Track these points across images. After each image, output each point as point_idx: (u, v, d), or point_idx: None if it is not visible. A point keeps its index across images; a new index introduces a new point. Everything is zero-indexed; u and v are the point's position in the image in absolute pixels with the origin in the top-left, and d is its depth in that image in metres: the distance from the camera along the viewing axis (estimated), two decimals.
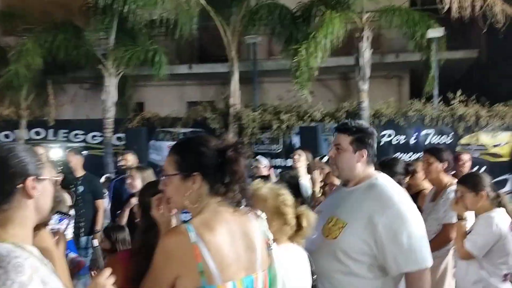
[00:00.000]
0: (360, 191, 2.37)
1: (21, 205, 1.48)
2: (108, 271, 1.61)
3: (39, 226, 1.83)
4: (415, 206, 2.35)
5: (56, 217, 2.39)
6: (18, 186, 1.47)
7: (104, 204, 6.35)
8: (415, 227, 2.24)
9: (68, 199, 4.19)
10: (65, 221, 2.87)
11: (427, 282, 2.25)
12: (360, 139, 2.40)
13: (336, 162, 2.44)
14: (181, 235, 1.58)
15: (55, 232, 2.21)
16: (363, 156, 2.39)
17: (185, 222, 1.68)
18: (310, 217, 2.22)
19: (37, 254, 1.47)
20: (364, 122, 2.57)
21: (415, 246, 2.20)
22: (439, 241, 3.93)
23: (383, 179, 2.41)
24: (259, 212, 1.84)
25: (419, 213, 2.34)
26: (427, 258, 2.24)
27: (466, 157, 5.74)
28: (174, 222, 1.86)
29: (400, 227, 2.19)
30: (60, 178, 5.32)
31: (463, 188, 3.44)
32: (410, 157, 9.01)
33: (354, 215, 2.28)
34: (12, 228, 1.46)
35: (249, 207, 1.80)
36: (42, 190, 1.53)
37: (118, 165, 6.12)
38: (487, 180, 3.45)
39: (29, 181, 1.48)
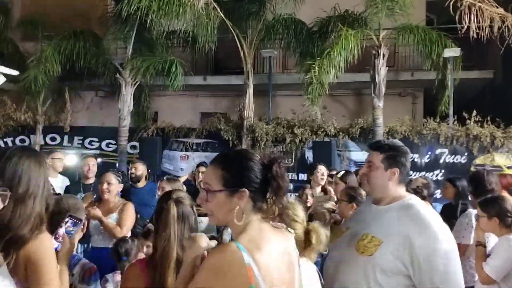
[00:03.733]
0: (394, 210, 2.36)
1: None
2: None
3: (41, 229, 1.85)
4: (448, 227, 2.36)
5: (70, 221, 2.41)
6: None
7: None
8: (451, 249, 2.24)
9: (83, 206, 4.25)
10: (80, 226, 2.91)
11: None
12: (392, 157, 2.40)
13: (368, 179, 2.44)
14: (235, 255, 1.51)
15: (62, 236, 2.23)
16: (394, 174, 2.39)
17: (232, 240, 1.64)
18: (320, 234, 2.22)
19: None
20: (398, 141, 2.54)
21: (451, 268, 2.20)
22: None
23: (417, 200, 2.41)
24: (290, 229, 1.81)
25: (452, 236, 2.34)
26: (461, 282, 2.24)
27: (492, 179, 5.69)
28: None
29: (436, 248, 2.19)
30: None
31: (480, 211, 3.47)
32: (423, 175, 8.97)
33: (390, 234, 2.26)
34: None
35: (284, 224, 1.76)
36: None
37: (129, 173, 6.09)
38: (507, 204, 3.43)
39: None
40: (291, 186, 6.25)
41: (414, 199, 2.40)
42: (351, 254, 2.27)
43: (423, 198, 4.76)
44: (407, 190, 4.15)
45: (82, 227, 2.92)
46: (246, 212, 1.64)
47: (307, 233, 2.22)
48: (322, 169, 5.86)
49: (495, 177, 4.28)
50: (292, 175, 10.12)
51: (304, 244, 2.23)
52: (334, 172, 5.68)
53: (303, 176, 9.76)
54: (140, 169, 5.99)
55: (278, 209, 1.70)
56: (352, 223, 2.58)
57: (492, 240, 3.51)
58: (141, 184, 5.92)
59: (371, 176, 2.42)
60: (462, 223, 4.19)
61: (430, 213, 2.34)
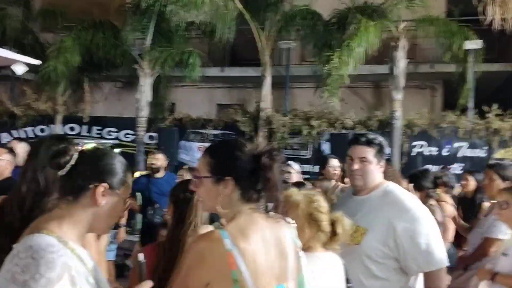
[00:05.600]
0: (375, 198, 2.49)
1: (84, 207, 1.48)
2: (149, 284, 1.61)
3: None
4: (427, 209, 2.50)
5: None
6: (90, 186, 1.48)
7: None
8: (431, 229, 2.38)
9: None
10: None
11: (444, 281, 2.44)
12: (380, 151, 2.55)
13: (363, 174, 2.53)
14: (216, 241, 1.53)
15: None
16: (382, 167, 2.55)
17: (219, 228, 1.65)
18: (345, 223, 2.21)
19: (81, 253, 1.46)
20: (374, 134, 2.68)
21: (433, 247, 2.34)
22: (476, 254, 3.93)
23: (394, 186, 2.56)
24: (289, 219, 1.80)
25: (432, 215, 2.48)
26: (443, 258, 2.38)
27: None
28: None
29: (417, 230, 2.33)
30: (132, 202, 5.42)
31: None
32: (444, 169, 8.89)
33: (374, 221, 2.40)
34: (66, 224, 1.46)
35: (281, 214, 1.76)
36: (110, 203, 1.52)
37: (148, 163, 6.13)
38: None
39: (101, 187, 1.49)
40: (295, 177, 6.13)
41: (391, 185, 2.54)
42: (341, 245, 2.29)
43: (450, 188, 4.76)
44: (439, 184, 4.20)
45: None
46: (234, 201, 1.64)
47: (332, 223, 2.21)
48: (334, 162, 5.39)
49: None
50: (308, 167, 10.12)
51: (332, 234, 2.22)
52: None
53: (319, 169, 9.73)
54: (160, 159, 6.05)
55: (273, 201, 1.69)
56: None
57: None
58: (160, 174, 5.97)
59: (366, 171, 2.52)
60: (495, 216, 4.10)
61: (409, 197, 2.50)
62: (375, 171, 2.53)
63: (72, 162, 1.49)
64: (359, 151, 2.54)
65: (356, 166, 2.54)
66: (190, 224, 2.22)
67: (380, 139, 2.59)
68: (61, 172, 1.49)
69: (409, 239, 2.32)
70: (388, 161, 5.17)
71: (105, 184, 1.50)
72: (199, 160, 1.73)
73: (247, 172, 1.63)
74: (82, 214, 1.49)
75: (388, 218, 2.37)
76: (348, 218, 2.37)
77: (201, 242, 1.58)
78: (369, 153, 2.52)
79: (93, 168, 1.51)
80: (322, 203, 2.21)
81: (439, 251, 2.37)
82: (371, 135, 2.61)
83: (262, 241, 1.60)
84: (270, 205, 1.68)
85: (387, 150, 2.63)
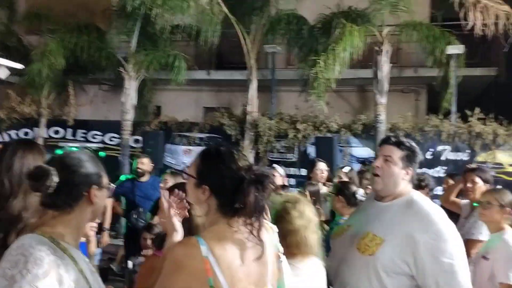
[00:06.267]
0: (397, 207, 2.28)
1: (82, 210, 1.60)
2: None
3: None
4: (453, 225, 2.28)
5: None
6: (83, 193, 1.60)
7: (111, 203, 6.28)
8: (457, 248, 2.17)
9: None
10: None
11: None
12: (410, 156, 2.35)
13: (383, 173, 2.34)
14: (193, 248, 1.54)
15: None
16: (408, 174, 2.33)
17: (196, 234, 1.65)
18: (310, 234, 2.22)
19: (74, 253, 1.52)
20: (413, 142, 2.46)
21: (457, 268, 2.12)
22: None
23: (420, 196, 2.35)
24: (271, 224, 1.82)
25: (458, 232, 2.26)
26: (467, 283, 2.15)
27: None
28: (178, 225, 1.85)
29: (441, 247, 2.12)
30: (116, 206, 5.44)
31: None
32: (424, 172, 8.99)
33: (393, 232, 2.19)
34: (63, 228, 1.55)
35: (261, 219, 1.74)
36: (101, 197, 1.66)
37: (135, 168, 6.11)
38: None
39: (93, 190, 1.61)
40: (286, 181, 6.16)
41: (417, 195, 2.33)
42: (353, 253, 2.23)
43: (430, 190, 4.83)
44: (423, 187, 4.11)
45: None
46: (212, 209, 1.65)
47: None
48: (321, 165, 5.62)
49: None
50: (294, 170, 10.17)
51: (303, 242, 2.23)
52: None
53: (305, 172, 9.77)
54: (146, 163, 6.04)
55: (248, 226, 1.63)
56: (354, 220, 2.53)
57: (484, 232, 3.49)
58: (145, 178, 5.96)
59: (387, 170, 2.33)
60: (476, 218, 4.16)
61: (435, 209, 2.26)
62: (399, 175, 2.31)
63: (54, 182, 1.54)
64: (385, 150, 2.36)
65: (377, 163, 2.35)
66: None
67: (413, 145, 2.39)
68: (47, 192, 1.54)
69: (431, 256, 2.10)
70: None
71: (95, 186, 1.62)
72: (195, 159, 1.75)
73: (226, 189, 1.62)
74: (80, 217, 1.60)
75: (410, 230, 2.15)
76: (365, 225, 2.29)
77: (179, 248, 1.59)
78: (395, 153, 2.32)
79: (79, 177, 1.60)
80: (295, 212, 2.20)
81: (463, 274, 2.13)
82: (406, 139, 2.42)
83: (239, 246, 1.60)
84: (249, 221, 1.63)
85: (419, 159, 2.38)
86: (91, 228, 2.80)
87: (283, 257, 1.82)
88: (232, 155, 1.68)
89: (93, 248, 4.27)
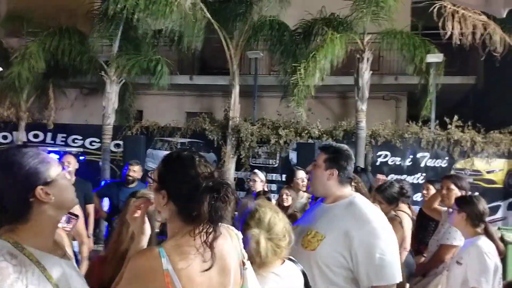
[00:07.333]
0: (339, 207, 2.49)
1: (39, 213, 1.45)
2: None
3: None
4: (389, 225, 2.49)
5: (64, 217, 2.44)
6: (30, 200, 1.43)
7: (93, 209, 6.22)
8: (388, 244, 2.37)
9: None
10: (73, 222, 2.94)
11: None
12: (333, 159, 2.54)
13: (312, 177, 2.61)
14: (154, 260, 1.52)
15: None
16: (333, 175, 2.52)
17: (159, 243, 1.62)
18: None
19: (41, 258, 1.44)
20: (345, 146, 2.66)
21: (386, 262, 2.33)
22: (433, 260, 4.06)
23: (361, 198, 2.55)
24: (236, 231, 1.80)
25: (393, 231, 2.48)
26: (396, 274, 2.37)
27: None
28: (147, 229, 1.83)
29: (374, 244, 2.33)
30: (71, 168, 5.30)
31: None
32: (404, 179, 9.09)
33: (332, 229, 2.41)
34: (26, 234, 1.44)
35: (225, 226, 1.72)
36: (57, 188, 1.48)
37: (126, 175, 5.98)
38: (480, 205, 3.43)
39: (39, 190, 1.44)
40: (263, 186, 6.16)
41: (357, 197, 2.54)
42: (298, 249, 2.36)
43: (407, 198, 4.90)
44: (392, 193, 4.26)
45: (75, 222, 2.96)
46: (173, 215, 1.63)
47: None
48: (301, 174, 5.55)
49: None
50: (276, 176, 10.20)
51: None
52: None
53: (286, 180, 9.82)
54: (138, 171, 5.96)
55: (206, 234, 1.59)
56: (302, 220, 2.74)
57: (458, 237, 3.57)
58: (133, 184, 5.90)
59: (314, 173, 2.58)
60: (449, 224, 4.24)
61: (372, 210, 2.49)
62: (322, 177, 2.53)
63: None
64: (317, 156, 2.62)
65: (308, 168, 2.62)
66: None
67: (341, 149, 2.59)
68: None
69: (364, 251, 2.32)
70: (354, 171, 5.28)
71: (39, 187, 1.44)
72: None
73: (182, 195, 1.60)
74: (41, 220, 1.46)
75: (347, 228, 2.36)
76: (310, 223, 2.50)
77: (140, 260, 1.57)
78: (320, 157, 2.56)
79: (19, 188, 1.43)
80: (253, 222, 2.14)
81: (393, 267, 2.36)
82: (336, 144, 2.65)
83: (200, 258, 1.58)
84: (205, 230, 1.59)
85: (349, 161, 2.56)
86: (63, 228, 2.75)
87: (248, 264, 1.79)
88: (193, 161, 1.64)
89: (86, 250, 4.22)
